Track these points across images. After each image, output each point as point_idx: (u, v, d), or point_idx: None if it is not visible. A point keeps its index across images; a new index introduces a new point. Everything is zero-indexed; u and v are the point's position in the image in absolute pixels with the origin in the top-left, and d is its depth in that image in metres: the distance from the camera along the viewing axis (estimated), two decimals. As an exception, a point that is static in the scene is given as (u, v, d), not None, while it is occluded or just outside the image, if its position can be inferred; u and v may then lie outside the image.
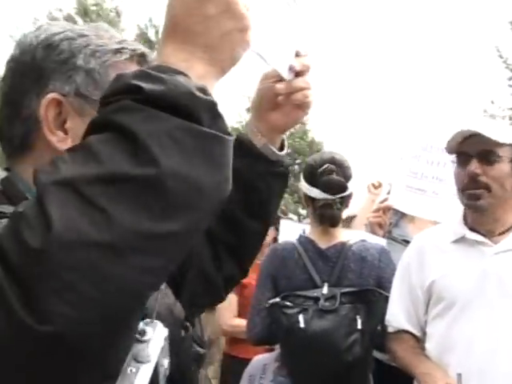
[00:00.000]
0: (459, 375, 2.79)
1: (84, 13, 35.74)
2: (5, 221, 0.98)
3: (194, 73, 1.08)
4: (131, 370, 1.13)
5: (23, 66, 1.43)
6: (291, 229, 4.67)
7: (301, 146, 44.33)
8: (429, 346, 3.09)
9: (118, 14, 36.92)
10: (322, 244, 3.70)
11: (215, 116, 1.04)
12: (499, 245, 2.97)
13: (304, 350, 3.44)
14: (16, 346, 0.91)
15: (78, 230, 0.91)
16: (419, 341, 3.18)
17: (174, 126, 0.99)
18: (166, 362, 1.27)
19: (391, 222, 4.68)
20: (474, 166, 2.91)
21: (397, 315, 3.20)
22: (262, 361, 3.91)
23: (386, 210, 4.64)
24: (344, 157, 3.77)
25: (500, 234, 3.01)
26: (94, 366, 0.98)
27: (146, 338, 1.19)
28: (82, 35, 1.44)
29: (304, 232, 4.07)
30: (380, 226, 4.60)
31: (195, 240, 1.07)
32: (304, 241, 3.76)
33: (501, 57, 30.08)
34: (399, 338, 3.21)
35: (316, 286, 3.55)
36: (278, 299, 3.55)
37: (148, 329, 1.20)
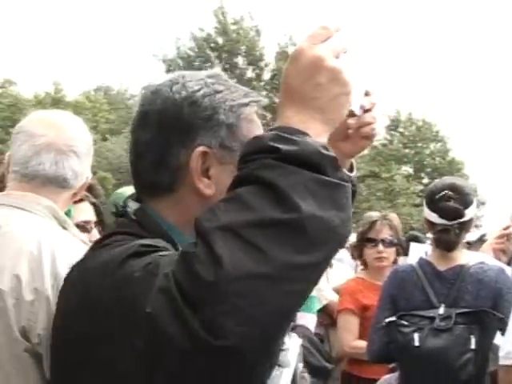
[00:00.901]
0: None
1: (224, 32, 36.58)
2: (167, 254, 1.28)
3: (312, 132, 1.30)
4: (276, 374, 1.40)
5: (171, 121, 1.55)
6: (420, 250, 4.71)
7: (441, 165, 43.86)
8: None
9: (258, 33, 37.52)
10: (441, 266, 3.74)
11: (337, 167, 1.26)
12: None
13: (419, 368, 3.51)
14: (195, 357, 1.15)
15: (243, 265, 1.14)
16: None
17: (307, 179, 1.22)
18: (300, 366, 1.55)
19: None
20: None
21: None
22: (388, 380, 4.00)
23: (510, 236, 4.56)
24: (466, 183, 3.87)
25: None
26: (255, 371, 1.23)
27: (285, 346, 1.43)
28: (218, 91, 1.58)
29: (426, 254, 4.09)
30: (503, 252, 4.55)
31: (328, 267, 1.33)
32: (423, 263, 3.82)
33: None
34: None
35: (433, 307, 3.60)
36: (394, 318, 3.64)
37: (286, 339, 1.41)
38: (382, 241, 4.87)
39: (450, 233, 3.67)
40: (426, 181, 44.32)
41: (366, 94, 1.73)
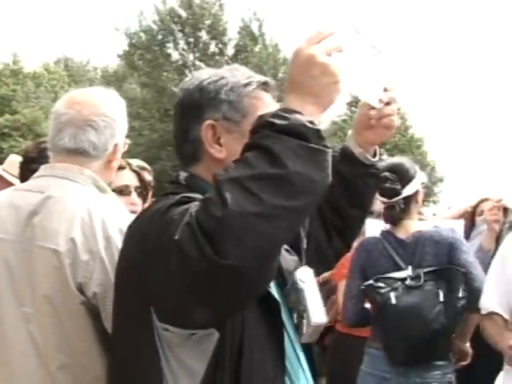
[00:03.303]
0: None
1: (188, 6, 36.43)
2: (195, 202, 1.64)
3: (307, 112, 1.68)
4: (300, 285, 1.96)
5: (186, 105, 2.04)
6: (375, 226, 5.04)
7: (401, 141, 44.21)
8: None
9: (222, 8, 37.42)
10: (401, 235, 4.24)
11: (319, 137, 1.64)
12: None
13: (396, 322, 3.94)
14: (208, 273, 1.53)
15: (242, 206, 1.53)
16: (507, 322, 3.51)
17: (295, 145, 1.60)
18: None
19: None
20: None
21: (490, 300, 3.57)
22: None
23: (501, 208, 5.28)
24: (406, 162, 4.36)
25: None
26: (250, 285, 1.61)
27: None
28: (222, 77, 2.01)
29: (386, 227, 4.51)
30: (497, 221, 5.25)
31: (309, 214, 1.79)
32: (385, 234, 4.33)
33: None
34: (491, 319, 3.56)
35: (401, 269, 4.09)
36: (371, 281, 4.09)
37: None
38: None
39: (395, 208, 4.21)
40: (385, 157, 44.75)
41: (385, 90, 2.16)
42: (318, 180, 1.61)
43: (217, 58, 37.52)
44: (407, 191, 4.21)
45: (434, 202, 41.62)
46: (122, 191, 3.54)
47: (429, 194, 43.19)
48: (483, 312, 3.61)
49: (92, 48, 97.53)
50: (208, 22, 36.81)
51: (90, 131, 2.48)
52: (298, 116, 1.64)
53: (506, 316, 3.48)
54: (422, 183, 4.40)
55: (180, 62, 37.67)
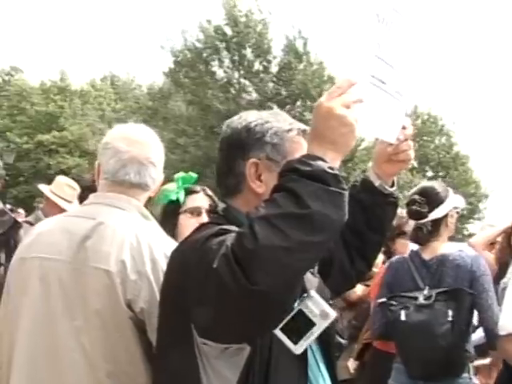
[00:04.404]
0: None
1: (234, 24, 36.62)
2: (233, 234, 1.88)
3: (327, 157, 1.91)
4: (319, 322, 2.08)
5: (234, 142, 2.30)
6: None
7: (445, 158, 44.01)
8: None
9: (266, 26, 37.52)
10: (426, 255, 4.47)
11: (338, 181, 1.86)
12: None
13: (407, 339, 4.25)
14: (241, 297, 1.77)
15: (271, 240, 1.77)
16: None
17: (317, 188, 1.83)
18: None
19: None
20: None
21: (510, 322, 3.66)
22: None
23: None
24: (438, 186, 4.60)
25: None
26: (278, 307, 1.88)
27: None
28: (267, 121, 2.29)
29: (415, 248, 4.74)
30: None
31: (329, 247, 1.95)
32: (412, 254, 4.60)
33: None
34: (511, 340, 3.64)
35: (419, 289, 4.32)
36: (384, 299, 4.49)
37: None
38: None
39: (422, 230, 4.44)
40: (430, 174, 44.54)
41: (403, 128, 2.43)
42: (336, 219, 1.85)
43: (261, 75, 37.68)
44: (435, 214, 4.40)
45: (479, 219, 41.33)
46: (192, 212, 3.83)
47: (473, 210, 42.90)
48: (503, 333, 3.68)
49: (137, 65, 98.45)
50: (253, 40, 36.87)
51: (151, 168, 2.83)
52: (319, 163, 1.88)
53: None
54: (455, 207, 4.53)
55: (225, 80, 37.63)
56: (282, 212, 1.81)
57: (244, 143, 2.26)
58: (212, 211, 2.37)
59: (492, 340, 4.05)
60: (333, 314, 2.11)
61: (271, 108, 38.43)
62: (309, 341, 2.07)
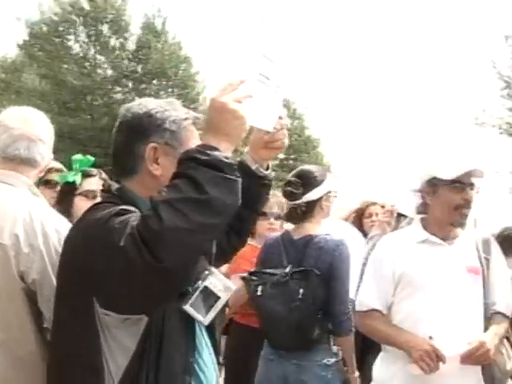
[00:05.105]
0: (430, 337, 3.58)
1: (90, -2, 35.82)
2: (135, 215, 2.12)
3: (222, 148, 2.12)
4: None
5: (135, 126, 2.44)
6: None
7: (297, 142, 44.41)
8: (395, 321, 3.84)
9: (125, 2, 36.94)
10: (296, 235, 4.64)
11: (232, 169, 2.09)
12: (452, 246, 3.85)
13: (262, 312, 4.51)
14: (146, 273, 1.99)
15: (175, 223, 1.97)
16: (386, 317, 3.89)
17: (213, 175, 2.05)
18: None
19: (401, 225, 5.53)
20: (471, 194, 3.78)
21: (369, 298, 3.93)
22: None
23: (393, 212, 5.71)
24: (315, 170, 4.70)
25: (451, 239, 3.88)
26: (179, 282, 2.15)
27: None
28: (166, 109, 2.46)
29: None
30: (388, 224, 5.67)
31: (223, 228, 2.18)
32: (285, 233, 4.76)
33: (495, 67, 30.88)
34: (371, 315, 3.90)
35: (283, 267, 4.48)
36: (246, 274, 4.66)
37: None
38: (272, 214, 5.60)
39: (296, 210, 4.58)
40: (281, 156, 45.16)
41: (280, 118, 2.61)
42: (231, 203, 2.09)
43: (118, 52, 37.35)
44: (309, 196, 4.56)
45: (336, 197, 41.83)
46: (86, 195, 4.06)
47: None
48: (363, 309, 3.95)
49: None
50: (110, 16, 36.40)
51: (40, 144, 3.01)
52: (216, 152, 2.09)
53: (385, 312, 3.87)
54: (329, 192, 4.68)
55: (80, 55, 36.87)
56: (183, 197, 2.01)
57: (145, 128, 2.41)
58: (105, 190, 2.55)
59: (336, 326, 4.38)
60: (233, 287, 2.42)
61: (126, 85, 38.23)
62: (215, 313, 2.37)
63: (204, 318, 2.35)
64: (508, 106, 31.14)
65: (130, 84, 38.17)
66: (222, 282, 2.41)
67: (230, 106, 2.17)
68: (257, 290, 4.47)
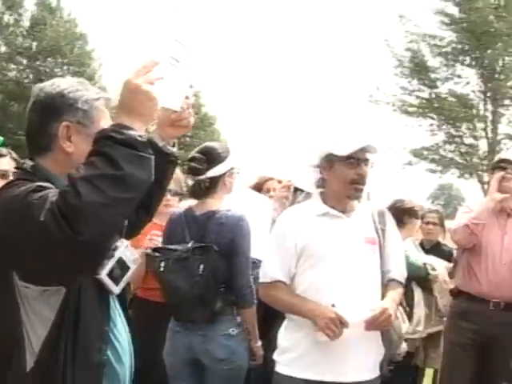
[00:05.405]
0: (333, 305, 3.73)
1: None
2: (52, 191, 2.19)
3: (136, 127, 2.22)
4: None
5: (48, 106, 2.49)
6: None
7: (194, 119, 44.21)
8: (299, 291, 3.97)
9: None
10: (198, 211, 4.71)
11: (146, 147, 2.20)
12: (350, 218, 4.02)
13: (166, 287, 4.63)
14: (66, 246, 2.07)
15: (92, 198, 2.05)
16: (289, 288, 4.02)
17: (127, 153, 2.13)
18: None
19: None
20: (365, 170, 3.95)
21: (273, 270, 4.04)
22: None
23: (290, 187, 5.74)
24: (219, 147, 4.80)
25: (349, 211, 4.05)
26: (98, 255, 2.26)
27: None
28: (78, 89, 2.52)
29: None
30: (286, 199, 5.73)
31: (137, 203, 2.26)
32: (188, 209, 4.82)
33: (388, 46, 31.53)
34: (275, 286, 4.02)
35: (185, 242, 4.58)
36: (149, 251, 4.76)
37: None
38: (169, 190, 5.44)
39: (200, 186, 4.64)
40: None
41: (186, 98, 2.69)
42: (145, 179, 2.20)
43: (12, 29, 36.49)
44: (213, 172, 4.63)
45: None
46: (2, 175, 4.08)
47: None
48: (267, 280, 4.06)
49: None
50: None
51: None
52: (131, 132, 2.18)
53: (289, 283, 4.00)
54: (232, 168, 4.73)
55: (-28, 30, 36.05)
56: (100, 173, 2.09)
57: (58, 107, 2.46)
58: (19, 168, 2.60)
59: (239, 298, 4.51)
60: (139, 259, 2.61)
61: (21, 62, 37.48)
62: (125, 283, 2.53)
63: (116, 287, 2.49)
64: (401, 85, 31.81)
65: (25, 61, 37.37)
66: (132, 254, 2.57)
67: (143, 87, 2.27)
68: (160, 266, 4.55)
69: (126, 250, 2.54)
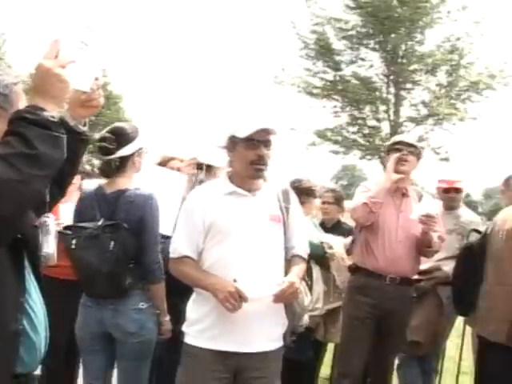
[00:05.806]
0: (235, 280, 3.93)
1: None
2: None
3: (49, 108, 2.35)
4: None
5: None
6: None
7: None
8: (205, 266, 4.14)
9: None
10: (108, 190, 4.84)
11: (59, 127, 2.34)
12: (256, 197, 4.21)
13: (77, 264, 4.75)
14: None
15: (8, 175, 2.18)
16: (197, 263, 4.19)
17: (41, 133, 2.28)
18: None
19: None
20: (264, 150, 4.11)
21: (181, 246, 4.19)
22: None
23: (194, 165, 5.86)
24: (128, 127, 4.93)
25: (254, 190, 4.22)
26: (14, 228, 2.38)
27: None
28: None
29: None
30: (194, 175, 5.80)
31: (51, 180, 2.41)
32: (98, 187, 4.93)
33: (294, 28, 31.79)
34: (183, 261, 4.18)
35: (96, 220, 4.70)
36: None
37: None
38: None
39: (110, 165, 4.79)
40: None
41: (96, 79, 2.76)
42: (58, 157, 2.35)
43: None
44: (123, 152, 4.77)
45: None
46: None
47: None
48: (176, 256, 4.21)
49: None
50: None
51: None
52: (44, 113, 2.32)
53: (196, 258, 4.16)
54: (141, 148, 4.87)
55: None
56: (15, 152, 2.23)
57: None
58: None
59: (148, 274, 4.69)
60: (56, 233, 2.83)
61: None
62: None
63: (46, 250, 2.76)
64: (306, 66, 32.11)
65: None
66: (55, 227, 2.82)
67: (55, 70, 2.41)
68: (72, 244, 4.65)
69: (51, 222, 2.78)
